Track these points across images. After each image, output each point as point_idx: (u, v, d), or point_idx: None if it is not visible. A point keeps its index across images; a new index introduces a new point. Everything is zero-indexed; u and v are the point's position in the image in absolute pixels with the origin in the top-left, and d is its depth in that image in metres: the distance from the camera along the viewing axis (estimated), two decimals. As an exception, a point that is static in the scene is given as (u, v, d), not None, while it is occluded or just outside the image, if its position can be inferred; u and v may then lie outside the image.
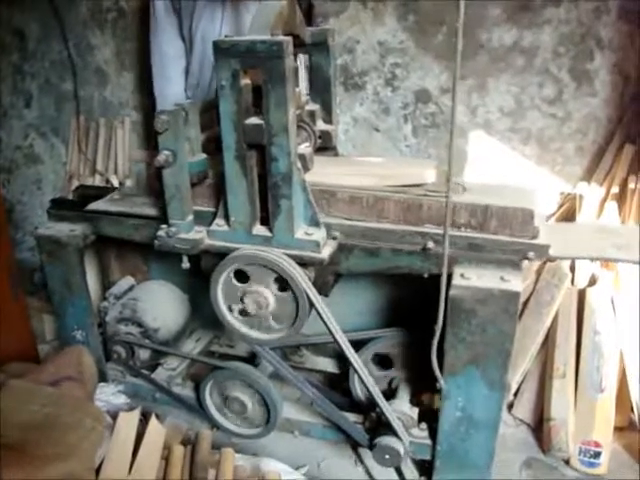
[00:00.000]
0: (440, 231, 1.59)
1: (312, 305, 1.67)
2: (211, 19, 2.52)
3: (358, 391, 2.07)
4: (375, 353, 2.01)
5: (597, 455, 2.10)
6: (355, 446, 2.11)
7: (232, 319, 1.80)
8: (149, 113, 3.04)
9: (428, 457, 1.90)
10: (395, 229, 1.65)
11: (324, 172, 1.77)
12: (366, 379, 1.78)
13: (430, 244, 1.61)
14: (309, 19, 2.85)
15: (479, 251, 1.60)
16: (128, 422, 1.86)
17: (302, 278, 1.64)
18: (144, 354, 2.18)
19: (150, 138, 3.32)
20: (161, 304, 2.23)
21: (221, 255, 1.72)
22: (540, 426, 2.26)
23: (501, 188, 1.74)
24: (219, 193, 1.74)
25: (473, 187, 1.71)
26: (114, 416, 1.89)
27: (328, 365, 2.34)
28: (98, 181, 3.52)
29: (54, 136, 3.82)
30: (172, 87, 2.76)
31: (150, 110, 2.94)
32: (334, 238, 1.70)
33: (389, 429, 1.82)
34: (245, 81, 1.53)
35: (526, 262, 1.60)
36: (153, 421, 1.88)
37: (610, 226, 2.33)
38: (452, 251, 1.57)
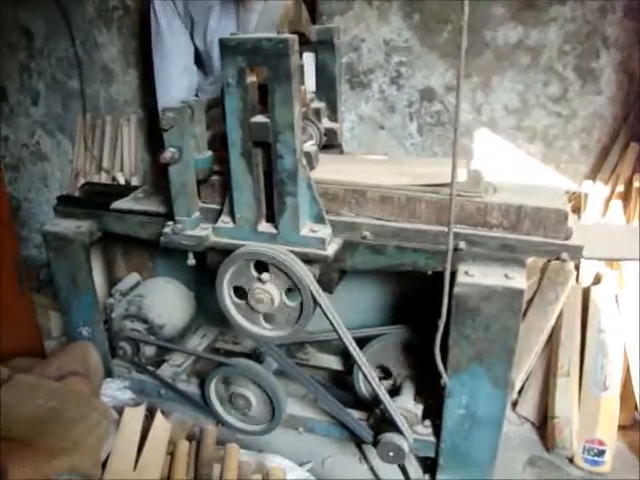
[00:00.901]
0: (473, 231, 1.60)
1: (317, 302, 1.68)
2: (226, 28, 2.51)
3: (362, 388, 2.08)
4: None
5: (601, 453, 2.10)
6: (359, 443, 2.11)
7: (237, 316, 1.80)
8: (155, 111, 3.04)
9: (432, 454, 1.90)
10: (427, 229, 1.64)
11: (351, 170, 1.77)
12: (370, 376, 1.79)
13: (462, 245, 1.60)
14: (313, 18, 2.85)
15: (512, 252, 1.59)
16: (134, 417, 1.87)
17: (307, 275, 1.65)
18: (149, 350, 2.19)
19: (156, 136, 3.33)
20: (167, 301, 2.24)
21: (227, 252, 1.73)
22: (544, 424, 2.26)
23: (532, 188, 1.72)
24: (225, 190, 1.74)
25: (503, 187, 1.69)
26: (120, 411, 1.91)
27: (332, 362, 2.34)
28: (104, 179, 3.53)
29: (60, 134, 3.83)
30: (175, 87, 2.75)
31: (156, 108, 2.94)
32: (364, 238, 1.69)
33: (393, 426, 1.82)
34: (251, 79, 1.54)
35: (531, 260, 1.60)
36: (158, 417, 1.89)
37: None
38: (484, 252, 1.59)
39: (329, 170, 1.77)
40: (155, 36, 2.73)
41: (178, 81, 2.75)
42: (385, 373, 2.08)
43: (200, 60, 2.76)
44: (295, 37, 1.49)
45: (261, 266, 1.70)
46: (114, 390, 2.17)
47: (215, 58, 2.62)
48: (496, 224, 1.60)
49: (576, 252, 1.55)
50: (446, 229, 1.59)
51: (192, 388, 2.19)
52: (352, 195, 1.70)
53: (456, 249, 1.61)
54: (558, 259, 1.56)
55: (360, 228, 1.69)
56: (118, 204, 1.99)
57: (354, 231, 1.70)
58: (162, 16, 2.65)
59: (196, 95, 2.77)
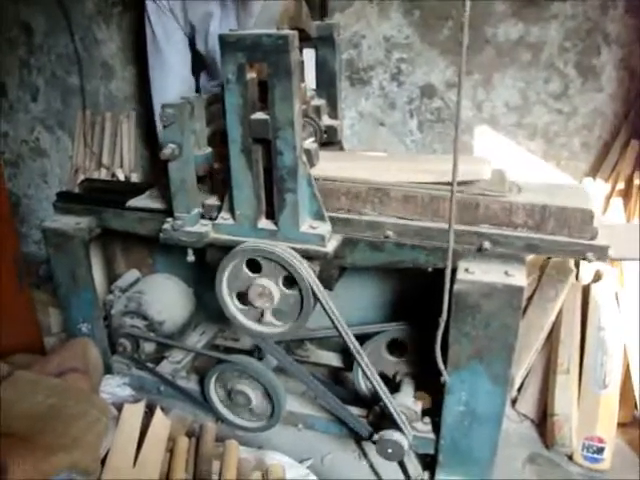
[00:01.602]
0: (498, 231, 1.58)
1: (317, 299, 1.68)
2: (228, 24, 2.51)
3: (362, 385, 2.08)
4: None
5: (600, 451, 2.10)
6: (359, 440, 2.11)
7: (237, 312, 1.80)
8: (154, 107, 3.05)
9: (431, 451, 1.90)
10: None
11: (373, 168, 1.75)
12: (370, 373, 1.79)
13: (486, 244, 1.59)
14: (323, 13, 2.85)
15: (536, 252, 1.58)
16: (133, 414, 1.87)
17: (307, 272, 1.65)
18: (149, 347, 2.19)
19: (155, 132, 3.32)
20: (166, 297, 2.23)
21: (226, 248, 1.73)
22: (544, 421, 2.26)
23: (556, 187, 1.70)
24: (225, 186, 1.74)
25: (527, 186, 1.68)
26: (119, 408, 1.91)
27: (332, 359, 2.34)
28: (104, 175, 3.53)
29: (60, 130, 3.83)
30: (170, 87, 2.74)
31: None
32: (387, 237, 1.67)
33: (393, 423, 1.82)
34: (251, 75, 1.53)
35: (530, 257, 1.59)
36: (158, 413, 1.89)
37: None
38: (509, 252, 1.58)
39: (345, 167, 1.76)
40: (151, 45, 2.70)
41: (176, 92, 2.71)
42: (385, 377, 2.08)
43: (203, 64, 2.76)
44: (295, 33, 1.48)
45: (259, 263, 1.70)
46: (114, 387, 2.17)
47: (219, 63, 2.61)
48: (521, 224, 1.58)
49: (602, 252, 1.53)
50: (470, 228, 1.59)
51: (191, 385, 2.19)
52: (375, 194, 1.67)
53: (480, 249, 1.60)
54: (584, 259, 1.54)
55: (383, 227, 1.67)
56: (133, 202, 1.99)
57: (376, 230, 1.68)
58: (157, 24, 2.63)
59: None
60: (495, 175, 1.67)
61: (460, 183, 1.60)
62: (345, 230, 1.71)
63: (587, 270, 2.46)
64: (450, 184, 1.57)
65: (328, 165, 1.76)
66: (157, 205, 1.92)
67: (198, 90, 2.79)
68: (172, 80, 2.71)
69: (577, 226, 1.54)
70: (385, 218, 1.68)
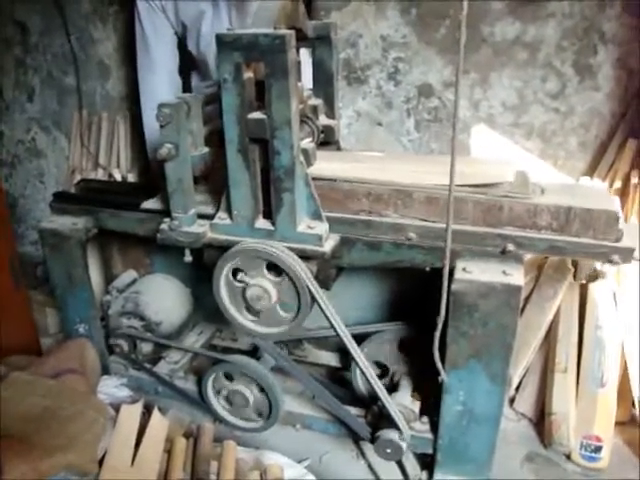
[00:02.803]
0: (522, 233, 1.58)
1: (314, 299, 1.68)
2: (218, 24, 2.50)
3: (360, 385, 2.08)
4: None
5: (598, 450, 2.10)
6: (357, 440, 2.11)
7: (234, 313, 1.80)
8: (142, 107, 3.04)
9: (430, 451, 1.91)
10: (475, 231, 1.61)
11: (395, 169, 1.74)
12: (368, 373, 1.78)
13: (510, 247, 1.58)
14: (309, 13, 2.84)
15: (561, 254, 1.58)
16: (130, 414, 1.87)
17: (304, 272, 1.65)
18: (146, 347, 2.19)
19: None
20: (163, 298, 2.23)
21: (223, 248, 1.72)
22: (541, 420, 2.26)
23: (580, 188, 1.70)
24: (222, 186, 1.74)
25: (550, 188, 1.67)
26: (117, 409, 1.91)
27: (330, 359, 2.34)
28: (100, 175, 3.52)
29: (56, 130, 3.82)
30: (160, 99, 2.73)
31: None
32: (409, 239, 1.66)
33: (391, 423, 1.82)
34: (248, 75, 1.53)
35: (528, 256, 1.59)
36: (156, 414, 1.89)
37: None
38: (531, 253, 1.59)
39: (359, 168, 1.75)
40: (140, 42, 2.70)
41: (163, 92, 2.71)
42: (382, 370, 2.08)
43: (193, 64, 2.75)
44: (292, 33, 1.48)
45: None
46: (111, 387, 2.16)
47: (210, 63, 2.60)
48: (545, 226, 1.57)
49: (627, 254, 1.52)
50: (494, 230, 1.59)
51: (189, 385, 2.19)
52: (398, 196, 1.66)
53: (504, 251, 1.59)
54: (610, 262, 1.53)
55: (405, 229, 1.66)
56: (147, 204, 1.97)
57: (398, 232, 1.67)
58: (146, 20, 2.63)
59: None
60: (518, 177, 1.66)
61: (483, 185, 1.60)
62: (366, 232, 1.70)
63: (585, 269, 2.46)
64: (475, 186, 1.58)
65: (336, 165, 1.76)
66: (154, 205, 1.92)
67: (186, 91, 2.77)
68: (160, 80, 2.71)
69: (602, 228, 1.52)
70: (407, 220, 1.67)
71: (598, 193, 1.67)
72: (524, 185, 1.62)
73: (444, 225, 1.59)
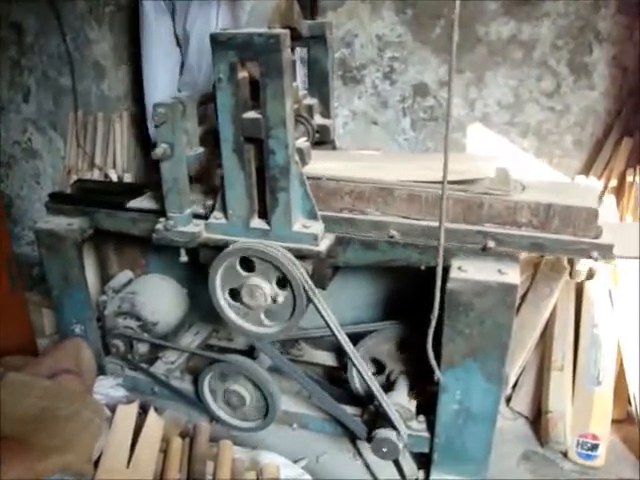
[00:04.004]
0: (502, 230, 1.58)
1: (309, 298, 1.68)
2: (206, 18, 2.53)
3: (356, 384, 2.08)
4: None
5: (594, 447, 2.10)
6: (354, 439, 2.11)
7: (230, 312, 1.80)
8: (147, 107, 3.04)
9: (426, 450, 1.90)
10: (455, 228, 1.61)
11: (378, 167, 1.75)
12: (364, 372, 1.78)
13: (491, 243, 1.58)
14: (313, 12, 2.85)
15: (541, 250, 1.58)
16: (127, 415, 1.87)
17: (299, 271, 1.64)
18: (143, 348, 2.18)
19: (148, 133, 3.31)
20: (159, 298, 2.23)
21: (219, 248, 1.72)
22: (538, 419, 2.26)
23: (560, 186, 1.70)
24: (217, 186, 1.74)
25: (531, 185, 1.67)
26: (113, 409, 1.91)
27: (326, 358, 2.34)
28: (96, 175, 3.51)
29: (52, 130, 3.81)
30: (160, 86, 2.76)
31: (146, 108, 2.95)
32: (391, 237, 1.66)
33: (387, 422, 1.82)
34: (242, 74, 1.53)
35: (523, 255, 1.59)
36: (152, 414, 1.88)
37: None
38: (513, 250, 1.58)
39: (348, 167, 1.75)
40: (142, 21, 2.75)
41: (161, 64, 2.78)
42: (378, 368, 2.07)
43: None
44: (287, 32, 1.48)
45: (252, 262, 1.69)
46: (107, 387, 2.16)
47: (192, 46, 2.65)
48: (525, 223, 1.57)
49: (606, 251, 1.53)
50: (474, 227, 1.59)
51: (185, 385, 2.19)
52: (379, 193, 1.67)
53: (484, 248, 1.60)
54: (589, 258, 1.54)
55: (387, 227, 1.66)
56: (133, 203, 1.98)
57: (380, 230, 1.67)
58: (152, 16, 2.67)
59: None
60: (499, 173, 1.66)
61: (464, 182, 1.61)
62: (349, 230, 1.70)
63: (581, 267, 2.47)
64: (455, 183, 1.58)
65: (329, 164, 1.76)
66: (150, 205, 1.92)
67: None
68: (157, 52, 2.77)
69: (582, 225, 1.53)
70: (389, 218, 1.67)
71: (580, 190, 1.67)
72: (504, 182, 1.63)
73: (425, 222, 1.63)
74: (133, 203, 1.97)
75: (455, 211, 1.62)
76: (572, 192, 1.64)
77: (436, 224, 1.58)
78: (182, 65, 2.78)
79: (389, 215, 1.68)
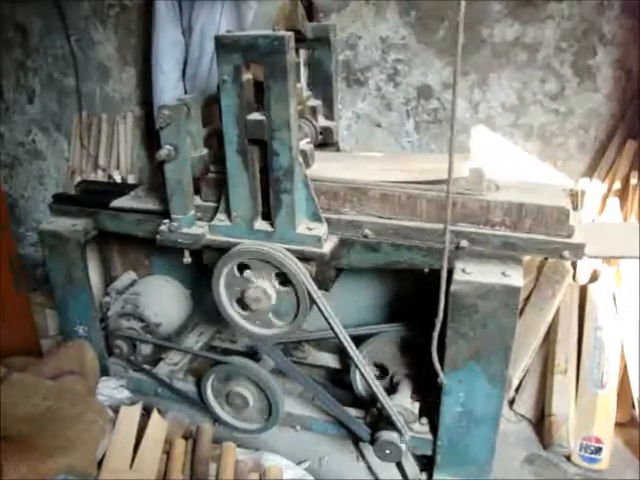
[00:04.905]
0: (475, 230, 1.58)
1: (313, 300, 1.68)
2: (211, 11, 2.54)
3: (359, 386, 2.08)
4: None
5: (598, 451, 2.10)
6: (356, 441, 2.11)
7: (234, 314, 1.80)
8: (151, 108, 3.05)
9: (429, 452, 1.90)
10: (428, 227, 1.62)
11: (354, 168, 1.75)
12: (367, 374, 1.78)
13: (464, 243, 1.59)
14: (310, 15, 2.86)
15: (514, 250, 1.58)
16: (130, 416, 1.87)
17: (303, 273, 1.64)
18: (146, 349, 2.18)
19: (152, 133, 3.32)
20: (163, 299, 2.23)
21: (223, 250, 1.72)
22: (541, 422, 2.26)
23: (534, 186, 1.70)
24: (221, 188, 1.74)
25: (505, 185, 1.68)
26: (116, 410, 1.91)
27: (330, 360, 2.34)
28: (100, 177, 3.53)
29: (56, 132, 3.83)
30: (167, 80, 2.78)
31: (152, 105, 2.95)
32: (365, 236, 1.67)
33: (390, 424, 1.82)
34: (247, 76, 1.53)
35: (527, 257, 1.59)
36: (155, 415, 1.89)
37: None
38: (487, 250, 1.58)
39: (328, 167, 1.76)
40: (155, 33, 2.77)
41: (172, 75, 2.77)
42: (382, 370, 2.08)
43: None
44: (291, 34, 1.48)
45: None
46: (110, 389, 2.16)
47: (194, 39, 2.67)
48: (498, 222, 1.58)
49: (578, 250, 1.53)
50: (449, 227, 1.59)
51: (189, 386, 2.18)
52: (353, 193, 1.68)
53: (458, 247, 1.60)
54: (561, 257, 1.55)
55: (361, 226, 1.67)
56: (117, 202, 1.98)
57: (355, 229, 1.68)
58: (163, 14, 2.69)
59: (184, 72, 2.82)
60: (473, 173, 1.67)
61: (436, 182, 1.63)
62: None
63: (584, 270, 2.47)
64: (430, 183, 1.61)
65: (318, 165, 1.77)
66: (153, 207, 1.92)
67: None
68: (164, 42, 2.79)
69: (554, 224, 1.54)
70: (363, 217, 1.69)
71: (553, 191, 1.68)
72: (478, 181, 1.63)
73: (398, 221, 1.64)
74: (116, 202, 1.98)
75: (429, 211, 1.63)
76: (545, 192, 1.65)
77: (408, 223, 1.63)
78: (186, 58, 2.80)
79: (363, 215, 1.69)
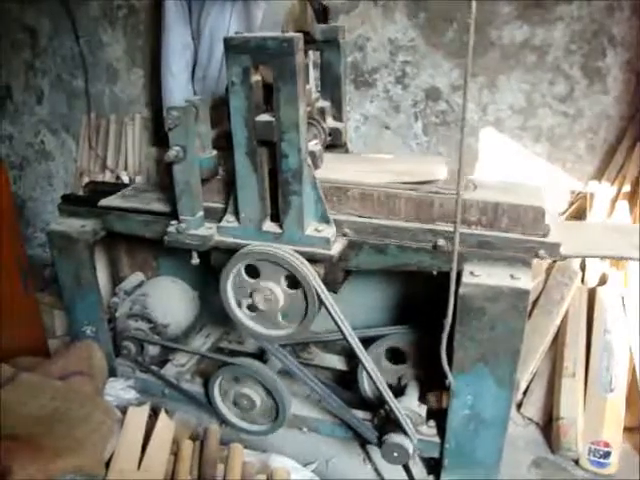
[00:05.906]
0: (451, 229, 1.58)
1: (321, 302, 1.67)
2: (220, 13, 2.55)
3: (367, 388, 2.07)
4: (388, 347, 2.00)
5: (607, 455, 2.09)
6: (364, 443, 2.11)
7: (241, 315, 1.80)
8: (159, 110, 3.06)
9: (436, 455, 1.90)
10: (406, 226, 1.64)
11: (337, 169, 1.77)
12: (375, 376, 1.78)
13: (441, 242, 1.61)
14: (325, 17, 2.87)
15: (490, 249, 1.59)
16: (137, 417, 1.87)
17: (312, 275, 1.64)
18: (153, 350, 2.19)
19: (160, 135, 3.33)
20: (171, 300, 2.23)
21: (231, 251, 1.72)
22: (549, 425, 2.25)
23: (512, 186, 1.72)
24: (229, 189, 1.74)
25: (484, 184, 1.70)
26: (124, 411, 1.91)
27: (337, 362, 2.34)
28: (108, 177, 3.54)
29: (65, 133, 3.84)
30: (177, 82, 2.79)
31: (160, 107, 2.96)
32: (345, 235, 1.69)
33: (398, 427, 1.82)
34: (256, 78, 1.53)
35: (536, 260, 1.59)
36: (162, 416, 1.89)
37: (623, 225, 2.32)
38: (462, 249, 1.57)
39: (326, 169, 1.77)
40: (164, 34, 2.78)
41: (181, 77, 2.78)
42: (395, 359, 2.06)
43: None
44: (300, 36, 1.48)
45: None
46: (118, 389, 2.16)
47: (203, 41, 2.68)
48: (475, 221, 1.60)
49: (554, 249, 1.55)
50: (425, 226, 1.62)
51: (196, 388, 2.19)
52: (334, 193, 1.70)
53: (435, 246, 1.62)
54: (537, 256, 1.57)
55: (341, 225, 1.69)
56: (105, 202, 1.99)
57: (336, 228, 1.70)
58: (172, 15, 2.70)
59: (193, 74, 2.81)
60: (453, 173, 1.68)
61: (416, 183, 1.67)
62: None
63: (593, 273, 2.45)
64: (409, 184, 1.64)
65: None
66: (162, 208, 1.92)
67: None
68: (174, 44, 2.80)
69: (529, 224, 1.56)
70: (343, 216, 1.71)
71: (530, 191, 1.69)
72: (455, 181, 1.64)
73: (378, 221, 1.66)
74: (105, 201, 1.99)
75: (407, 210, 1.65)
76: (522, 192, 1.66)
77: (387, 222, 1.66)
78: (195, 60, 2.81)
79: (343, 214, 1.71)
